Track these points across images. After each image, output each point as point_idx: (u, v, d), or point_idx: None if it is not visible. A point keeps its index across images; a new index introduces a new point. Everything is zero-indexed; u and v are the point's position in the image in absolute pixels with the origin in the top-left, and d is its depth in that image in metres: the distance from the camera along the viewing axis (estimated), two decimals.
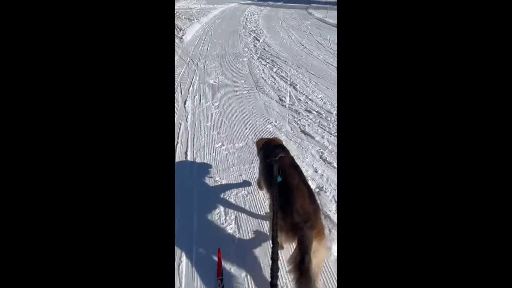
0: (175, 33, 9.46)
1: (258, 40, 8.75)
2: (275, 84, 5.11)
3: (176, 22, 10.95)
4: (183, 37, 8.99)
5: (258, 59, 6.72)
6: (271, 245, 1.26)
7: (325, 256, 1.53)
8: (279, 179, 1.57)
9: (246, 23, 12.31)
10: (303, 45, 7.98)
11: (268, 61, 6.51)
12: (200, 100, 4.53)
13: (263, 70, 5.92)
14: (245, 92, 4.86)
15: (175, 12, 13.40)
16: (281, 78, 5.38)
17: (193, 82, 5.33)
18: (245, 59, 6.79)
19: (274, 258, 1.17)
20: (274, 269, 1.12)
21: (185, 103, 4.44)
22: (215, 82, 5.37)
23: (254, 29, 10.78)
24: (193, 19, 12.58)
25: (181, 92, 4.88)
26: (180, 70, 6.02)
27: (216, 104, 4.41)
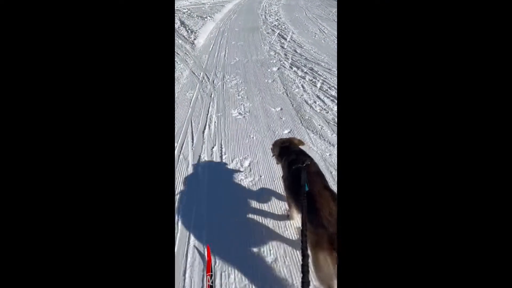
0: (186, 36, 7.90)
1: (285, 39, 6.98)
2: (326, 111, 3.41)
3: (187, 22, 9.37)
4: (195, 41, 7.40)
5: (291, 67, 4.99)
6: (301, 257, 1.10)
7: None
8: (307, 187, 1.42)
9: (266, 17, 10.49)
10: None
11: (305, 69, 4.76)
12: (221, 156, 2.85)
13: (302, 86, 4.20)
14: (286, 131, 3.19)
15: (186, 10, 11.85)
16: (333, 100, 3.70)
17: (209, 116, 3.68)
18: (274, 68, 5.07)
19: (305, 270, 1.04)
20: (305, 282, 1.00)
21: (197, 167, 2.67)
22: (240, 114, 3.66)
23: (276, 23, 8.96)
24: (206, 17, 10.93)
25: (192, 142, 3.13)
26: (192, 94, 4.41)
27: (247, 164, 2.67)
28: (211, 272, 1.58)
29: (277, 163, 2.03)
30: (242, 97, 4.17)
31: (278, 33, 7.62)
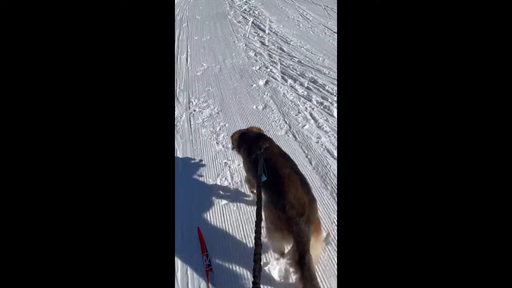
0: None
1: (263, 30, 5.30)
2: None
3: None
4: None
5: (284, 78, 3.42)
6: (254, 246, 1.05)
7: (321, 249, 1.39)
8: (264, 178, 1.33)
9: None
10: (334, 32, 4.68)
11: (305, 82, 3.23)
12: None
13: (311, 116, 2.68)
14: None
15: None
16: None
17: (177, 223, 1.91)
18: (260, 82, 3.45)
19: (256, 259, 1.00)
20: (257, 269, 0.97)
21: None
22: (227, 198, 1.98)
23: (246, 7, 7.14)
24: None
25: None
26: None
27: None
28: (206, 251, 1.54)
29: (238, 154, 1.83)
30: (223, 146, 2.52)
31: (253, 22, 5.90)
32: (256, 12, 6.56)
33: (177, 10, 7.70)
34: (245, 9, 7.02)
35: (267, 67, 3.82)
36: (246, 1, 7.96)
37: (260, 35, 5.09)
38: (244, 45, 4.72)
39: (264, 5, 7.32)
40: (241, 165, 2.11)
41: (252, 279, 0.94)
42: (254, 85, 3.41)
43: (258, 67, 3.84)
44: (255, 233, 1.07)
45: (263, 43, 4.68)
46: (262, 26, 5.52)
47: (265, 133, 1.96)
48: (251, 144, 1.59)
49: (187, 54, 4.54)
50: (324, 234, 1.52)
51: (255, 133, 1.74)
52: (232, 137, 1.87)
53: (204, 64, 4.13)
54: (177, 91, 3.46)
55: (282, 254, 1.39)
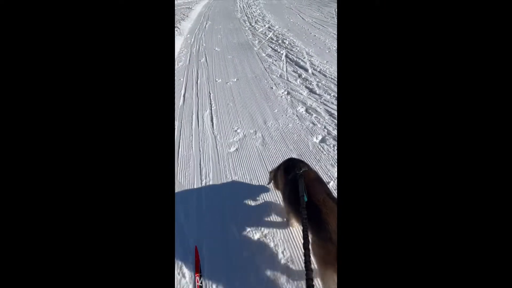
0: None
1: (305, 69, 3.93)
2: None
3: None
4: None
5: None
6: (305, 270, 0.93)
7: None
8: (306, 198, 1.22)
9: (251, 24, 7.40)
10: None
11: None
12: None
13: None
14: None
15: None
16: None
17: None
18: (333, 169, 2.07)
19: (309, 285, 0.89)
20: None
21: None
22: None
23: (273, 36, 5.96)
24: None
25: None
26: None
27: None
28: (200, 272, 1.47)
29: (275, 187, 1.73)
30: None
31: (286, 55, 4.65)
32: (287, 42, 5.32)
33: (191, 39, 6.55)
34: (271, 38, 5.80)
35: (330, 133, 2.50)
36: (269, 27, 6.78)
37: (302, 76, 3.79)
38: (285, 93, 3.41)
39: (292, 31, 6.10)
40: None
41: None
42: (330, 179, 2.07)
43: (319, 137, 2.51)
44: (305, 256, 0.97)
45: (311, 90, 3.37)
46: (301, 62, 4.24)
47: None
48: (291, 166, 1.47)
49: (211, 110, 3.22)
50: None
51: (293, 163, 1.55)
52: (270, 173, 1.72)
53: (238, 130, 2.79)
54: (203, 182, 2.13)
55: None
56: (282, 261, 1.48)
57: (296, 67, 4.14)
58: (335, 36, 5.46)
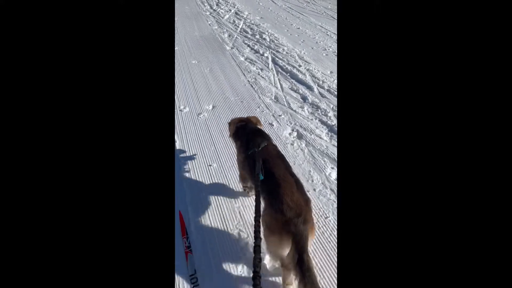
0: None
1: (305, 85, 2.78)
2: None
3: None
4: None
5: None
6: (254, 240, 0.98)
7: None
8: (262, 177, 1.23)
9: (212, 7, 5.64)
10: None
11: None
12: None
13: None
14: None
15: None
16: None
17: None
18: None
19: (256, 250, 0.95)
20: (257, 259, 0.92)
21: None
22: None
23: (245, 27, 4.50)
24: None
25: None
26: None
27: None
28: (186, 234, 1.50)
29: (234, 143, 1.67)
30: None
31: (273, 61, 3.34)
32: (267, 38, 3.96)
33: None
34: (244, 30, 4.36)
35: None
36: (236, 13, 5.26)
37: (308, 98, 2.58)
38: (295, 135, 2.19)
39: (268, 21, 4.71)
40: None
41: (253, 269, 0.90)
42: None
43: None
44: (255, 227, 1.02)
45: (331, 128, 2.23)
46: (298, 74, 2.99)
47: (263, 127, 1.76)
48: (249, 139, 1.45)
49: (186, 198, 1.80)
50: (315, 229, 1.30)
51: (253, 128, 1.57)
52: (229, 123, 1.69)
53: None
54: None
55: (281, 260, 1.18)
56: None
57: (294, 81, 2.90)
58: (323, 30, 4.29)
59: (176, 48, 3.75)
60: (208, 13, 5.36)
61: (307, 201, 1.16)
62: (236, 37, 4.11)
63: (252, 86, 2.86)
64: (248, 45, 3.80)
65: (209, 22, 4.81)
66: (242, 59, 3.44)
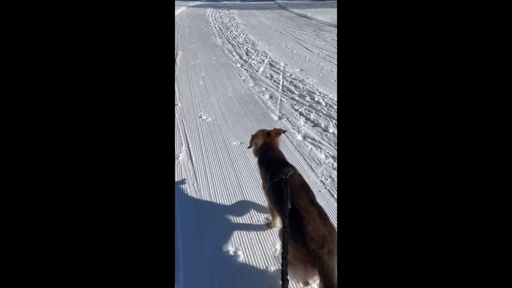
0: None
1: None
2: None
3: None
4: None
5: None
6: (281, 282, 0.93)
7: None
8: (290, 206, 1.19)
9: (242, 57, 4.95)
10: None
11: None
12: None
13: None
14: None
15: None
16: None
17: None
18: None
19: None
20: None
21: None
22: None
23: (286, 83, 3.71)
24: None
25: None
26: None
27: None
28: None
29: (254, 156, 1.64)
30: None
31: (304, 96, 2.46)
32: (322, 101, 3.04)
33: None
34: (287, 88, 3.50)
35: None
36: (271, 64, 4.50)
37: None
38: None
39: (310, 73, 3.85)
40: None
41: None
42: None
43: None
44: (282, 266, 0.97)
45: None
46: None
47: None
48: (275, 167, 1.40)
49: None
50: None
51: (279, 156, 1.51)
52: (253, 138, 1.59)
53: None
54: None
55: (306, 284, 1.23)
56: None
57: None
58: (315, 51, 3.39)
59: (208, 119, 2.86)
60: (238, 64, 4.63)
61: (331, 231, 1.10)
62: (280, 100, 3.23)
63: (330, 192, 1.84)
64: (301, 113, 2.88)
65: (242, 78, 4.02)
66: (300, 137, 2.48)
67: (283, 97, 3.28)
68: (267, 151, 1.51)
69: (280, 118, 2.83)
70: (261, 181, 1.52)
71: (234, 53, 5.32)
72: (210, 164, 2.16)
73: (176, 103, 3.22)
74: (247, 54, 5.18)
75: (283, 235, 1.08)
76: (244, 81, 3.90)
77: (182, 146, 2.41)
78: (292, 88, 3.52)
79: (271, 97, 3.33)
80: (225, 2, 19.70)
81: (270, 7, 13.64)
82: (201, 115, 2.94)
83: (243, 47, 5.73)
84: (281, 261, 1.00)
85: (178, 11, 14.05)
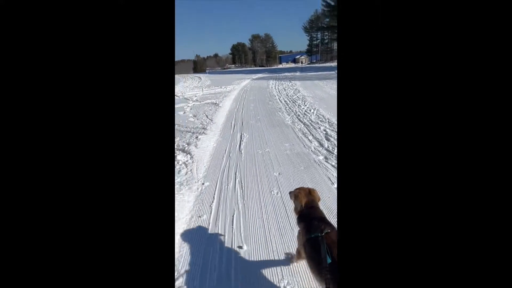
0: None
1: None
2: None
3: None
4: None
5: None
6: None
7: None
8: (329, 260, 1.16)
9: (322, 144, 3.84)
10: None
11: None
12: None
13: None
14: None
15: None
16: None
17: None
18: None
19: None
20: None
21: None
22: None
23: None
24: (196, 134, 4.35)
25: None
26: None
27: None
28: None
29: (294, 209, 1.60)
30: None
31: None
32: None
33: (227, 162, 2.86)
34: None
35: None
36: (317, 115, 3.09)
37: None
38: None
39: None
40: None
41: None
42: None
43: None
44: None
45: None
46: None
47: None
48: (313, 224, 1.38)
49: None
50: None
51: (319, 216, 1.46)
52: (296, 195, 1.58)
53: None
54: None
55: None
56: None
57: None
58: None
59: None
60: (321, 156, 3.39)
61: None
62: None
63: None
64: None
65: (335, 185, 2.69)
66: None
67: None
68: (310, 209, 1.49)
69: None
70: (297, 243, 1.54)
71: (310, 137, 4.20)
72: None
73: None
74: (327, 139, 3.98)
75: (326, 285, 1.07)
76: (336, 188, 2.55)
77: None
78: None
79: None
80: (286, 74, 20.42)
81: (332, 77, 13.16)
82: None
83: (318, 128, 4.61)
84: None
85: (243, 83, 14.68)
